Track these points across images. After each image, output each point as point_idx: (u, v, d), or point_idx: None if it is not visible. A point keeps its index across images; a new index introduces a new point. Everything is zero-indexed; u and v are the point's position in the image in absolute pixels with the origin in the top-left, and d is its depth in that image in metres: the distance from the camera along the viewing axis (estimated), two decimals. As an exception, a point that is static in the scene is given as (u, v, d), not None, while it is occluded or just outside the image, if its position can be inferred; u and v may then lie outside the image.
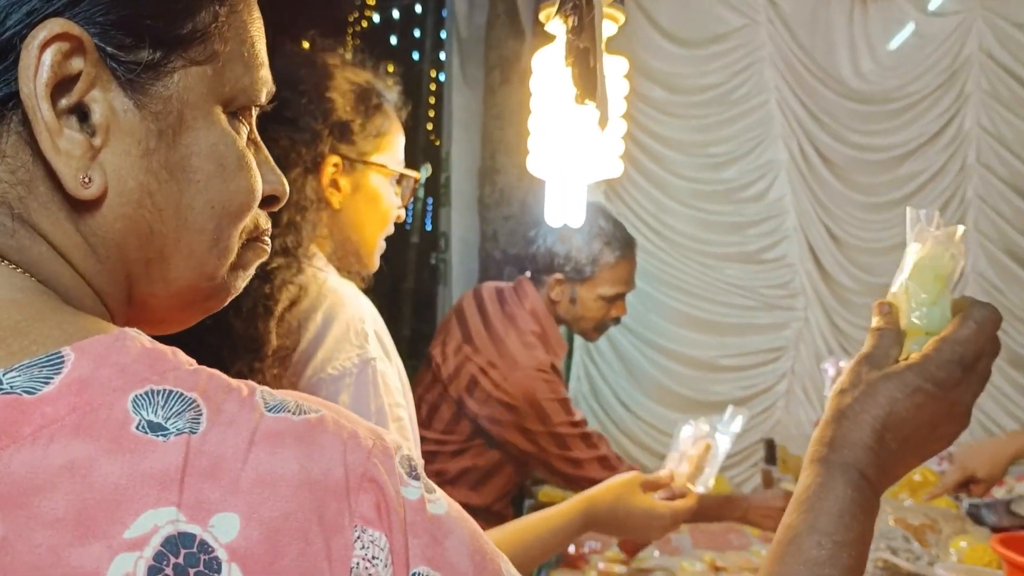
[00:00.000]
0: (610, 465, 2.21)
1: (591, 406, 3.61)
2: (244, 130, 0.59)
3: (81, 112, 0.51)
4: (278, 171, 0.63)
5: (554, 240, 2.33)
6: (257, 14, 0.60)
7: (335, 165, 1.35)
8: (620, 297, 2.40)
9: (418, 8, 7.30)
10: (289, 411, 0.48)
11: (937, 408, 0.73)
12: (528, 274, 2.41)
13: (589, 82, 0.87)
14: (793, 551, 0.68)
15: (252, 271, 0.63)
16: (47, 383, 0.45)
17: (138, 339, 0.49)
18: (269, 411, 0.48)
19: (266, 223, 0.63)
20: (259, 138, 0.62)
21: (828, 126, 3.63)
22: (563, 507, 1.47)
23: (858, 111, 3.65)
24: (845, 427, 0.73)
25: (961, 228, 0.80)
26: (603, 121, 0.89)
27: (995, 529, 2.36)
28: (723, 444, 1.71)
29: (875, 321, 0.80)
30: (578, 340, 3.62)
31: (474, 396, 2.20)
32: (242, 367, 1.11)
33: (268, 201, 0.62)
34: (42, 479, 0.43)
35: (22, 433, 0.44)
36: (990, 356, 0.75)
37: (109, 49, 0.51)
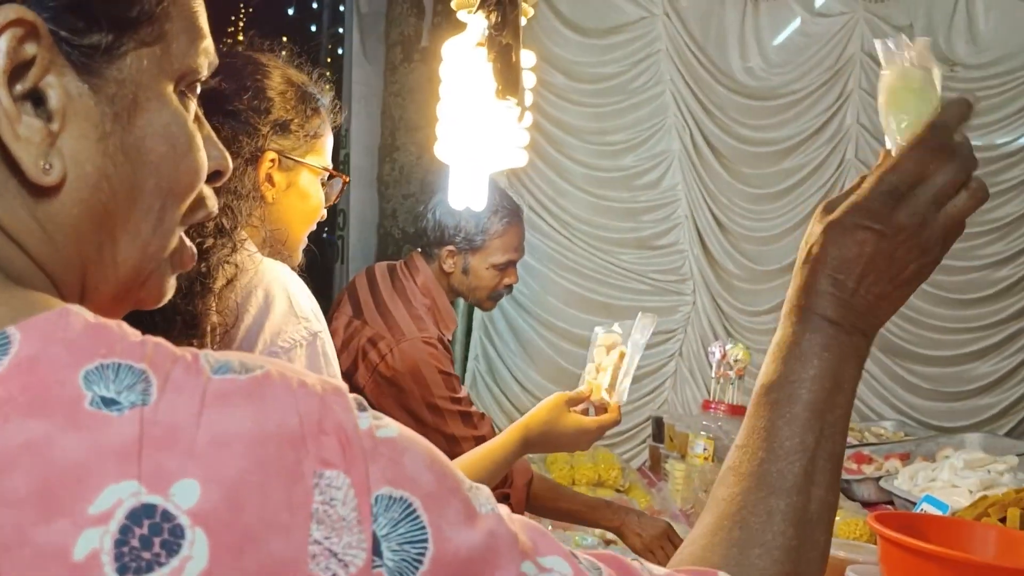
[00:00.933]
0: None
1: (488, 384, 3.68)
2: (192, 107, 0.60)
3: (36, 98, 0.50)
4: (221, 146, 0.63)
5: (443, 213, 2.36)
6: None
7: (272, 160, 1.39)
8: (511, 264, 2.42)
9: (316, -20, 7.16)
10: (234, 371, 0.49)
11: (883, 242, 0.72)
12: (419, 249, 2.45)
13: (511, 79, 0.91)
14: (761, 400, 0.73)
15: (174, 279, 0.63)
16: None
17: (81, 314, 0.49)
18: (215, 373, 0.48)
19: (212, 202, 0.63)
20: (201, 114, 0.62)
21: (718, 119, 3.78)
22: (502, 438, 1.64)
23: (747, 105, 3.81)
24: (803, 277, 0.75)
25: (927, 39, 0.79)
26: (521, 116, 0.94)
27: (865, 504, 2.55)
28: (635, 353, 1.80)
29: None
30: (476, 319, 3.68)
31: (359, 370, 2.21)
32: (181, 344, 1.12)
33: (212, 177, 0.63)
34: (1, 460, 0.43)
35: None
36: (944, 175, 0.72)
37: (62, 33, 0.51)
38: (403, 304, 2.30)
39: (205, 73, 0.60)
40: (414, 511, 0.49)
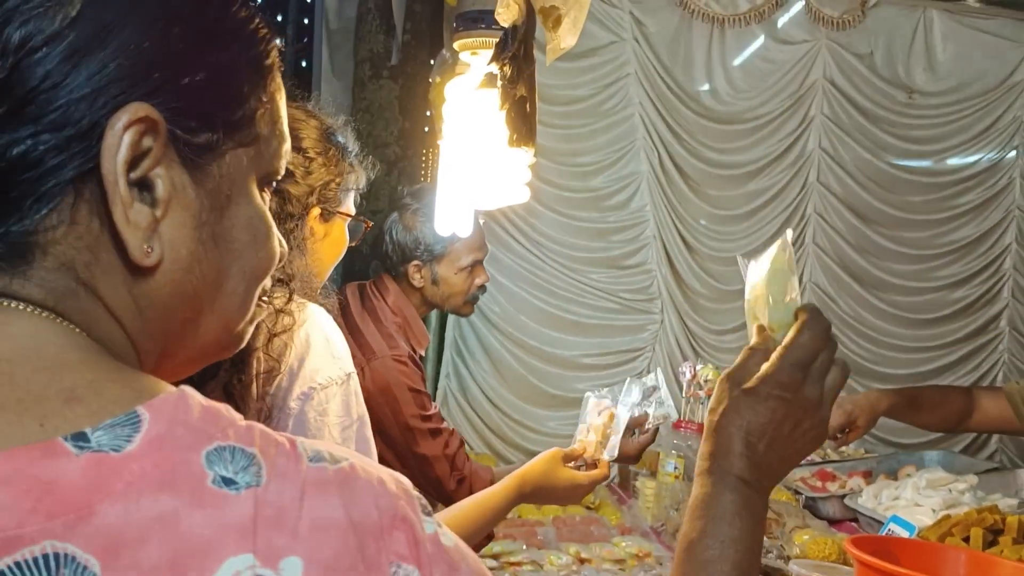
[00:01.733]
0: (457, 467, 2.25)
1: (459, 403, 3.71)
2: (267, 198, 0.66)
3: (144, 185, 0.55)
4: (282, 238, 0.69)
5: (399, 231, 2.38)
6: (283, 96, 0.66)
7: (315, 216, 1.48)
8: (478, 263, 2.45)
9: (282, -7, 7.14)
10: (325, 460, 0.54)
11: (791, 409, 0.83)
12: (386, 271, 2.46)
13: (526, 129, 0.95)
14: (688, 556, 0.80)
15: (251, 328, 0.68)
16: (129, 441, 0.49)
17: (196, 397, 0.54)
18: (311, 462, 0.53)
19: (269, 281, 0.69)
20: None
21: (686, 141, 3.86)
22: (499, 488, 1.70)
23: (713, 129, 3.90)
24: (719, 440, 0.84)
25: (789, 232, 0.95)
26: (533, 161, 0.98)
27: (831, 521, 2.62)
28: (623, 414, 1.88)
29: (752, 340, 0.93)
30: (448, 338, 3.71)
31: None
32: (228, 378, 1.18)
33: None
34: (136, 531, 0.47)
35: (115, 488, 0.48)
36: (828, 353, 0.86)
37: (177, 131, 0.55)
38: (373, 323, 2.32)
39: (283, 170, 0.66)
40: None
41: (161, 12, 0.55)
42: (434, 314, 3.71)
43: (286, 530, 0.49)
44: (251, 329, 0.68)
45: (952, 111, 4.04)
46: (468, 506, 1.66)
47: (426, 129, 4.66)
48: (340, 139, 1.51)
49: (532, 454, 3.75)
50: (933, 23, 3.94)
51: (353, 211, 1.57)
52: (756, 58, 3.95)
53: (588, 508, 3.09)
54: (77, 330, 0.55)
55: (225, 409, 0.54)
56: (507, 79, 0.97)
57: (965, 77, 4.02)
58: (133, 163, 0.54)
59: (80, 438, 0.49)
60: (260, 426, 0.55)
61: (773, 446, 0.83)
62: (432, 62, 4.55)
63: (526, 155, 1.02)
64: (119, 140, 0.53)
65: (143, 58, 0.54)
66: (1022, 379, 4.07)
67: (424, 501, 0.57)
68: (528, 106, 0.95)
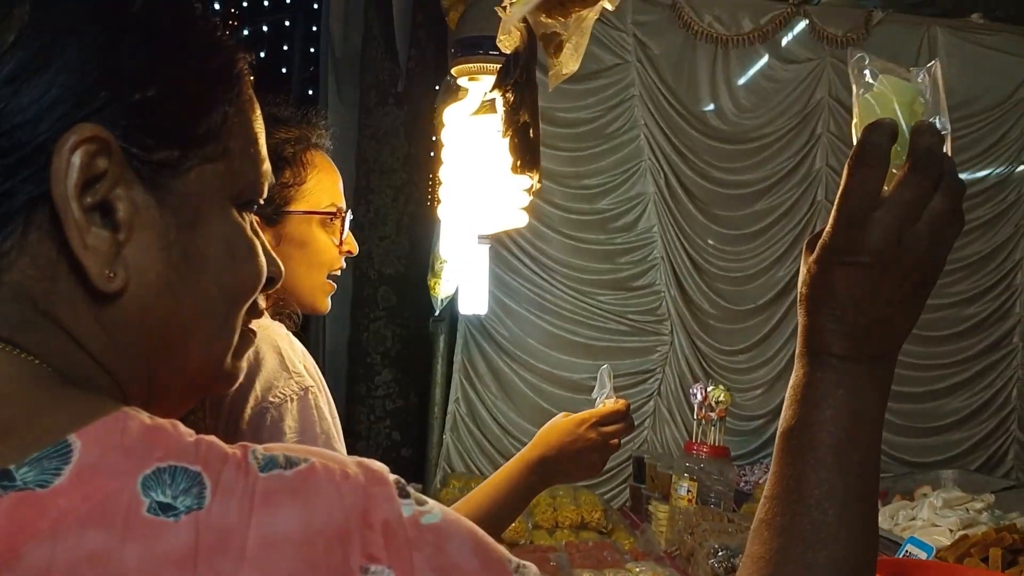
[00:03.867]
0: None
1: (469, 427, 3.69)
2: (248, 217, 0.63)
3: (104, 208, 0.53)
4: (273, 254, 0.67)
5: None
6: (259, 112, 0.64)
7: (255, 221, 1.39)
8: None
9: (287, 23, 7.21)
10: (280, 466, 0.51)
11: (862, 271, 0.69)
12: None
13: (529, 156, 0.94)
14: (783, 446, 0.72)
15: (245, 359, 0.66)
16: (58, 474, 0.47)
17: (138, 417, 0.51)
18: (262, 471, 0.50)
19: (262, 302, 0.67)
20: (257, 227, 0.65)
21: (692, 162, 3.86)
22: (510, 465, 1.48)
23: (719, 149, 3.89)
24: (803, 319, 0.73)
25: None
26: (535, 188, 0.97)
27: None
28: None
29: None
30: (457, 361, 3.69)
31: None
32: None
33: (267, 283, 0.66)
34: (64, 572, 0.44)
35: (39, 528, 0.45)
36: (941, 203, 0.69)
37: (132, 150, 0.54)
38: None
39: (264, 193, 0.64)
40: None
41: (107, 29, 0.54)
42: (443, 339, 3.71)
43: (231, 554, 0.47)
44: (244, 365, 0.65)
45: (959, 127, 4.03)
46: (477, 495, 1.46)
47: (431, 154, 4.69)
48: (293, 136, 1.41)
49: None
50: (937, 40, 3.94)
51: (312, 209, 1.43)
52: (760, 77, 3.95)
53: (601, 533, 3.07)
54: (37, 361, 0.53)
55: (171, 425, 0.52)
56: (510, 106, 0.97)
57: (971, 93, 4.01)
58: (87, 185, 0.52)
59: (5, 477, 0.47)
60: (209, 439, 0.52)
61: (862, 310, 0.70)
62: (437, 88, 4.59)
63: (530, 181, 1.01)
64: (67, 163, 0.51)
65: (88, 77, 0.52)
66: None
67: (403, 482, 0.54)
68: (532, 132, 0.95)
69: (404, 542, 0.50)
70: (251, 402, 1.25)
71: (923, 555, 2.00)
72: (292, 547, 0.48)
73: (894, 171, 0.70)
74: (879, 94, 0.75)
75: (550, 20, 0.82)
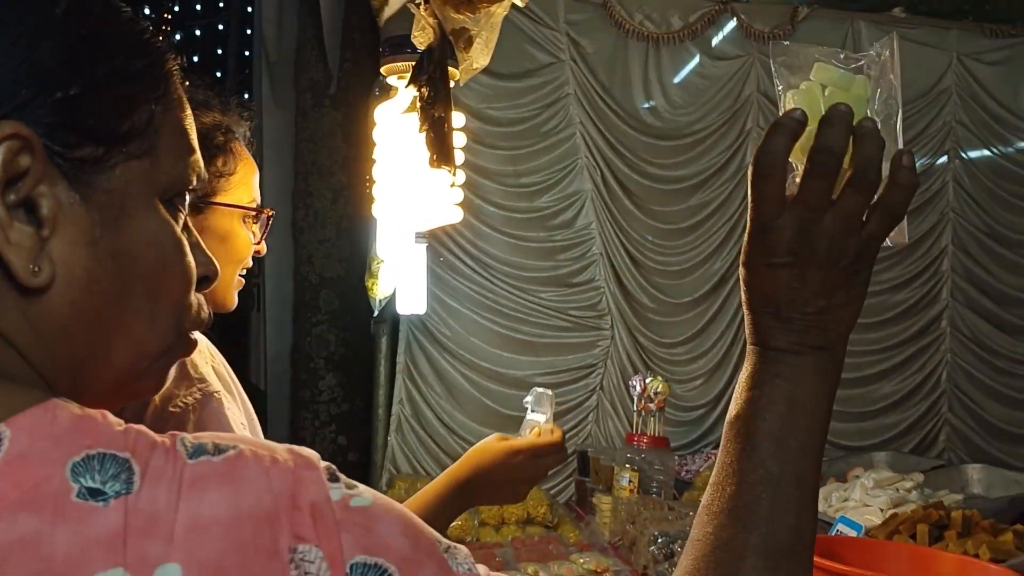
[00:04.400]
0: None
1: (414, 428, 3.69)
2: (180, 216, 0.63)
3: (28, 205, 0.53)
4: (208, 252, 0.67)
5: None
6: (188, 108, 0.65)
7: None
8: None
9: (220, 27, 7.12)
10: (208, 453, 0.52)
11: (784, 271, 0.71)
12: None
13: (443, 149, 0.96)
14: (726, 434, 0.74)
15: (174, 369, 0.66)
16: None
17: (67, 407, 0.52)
18: (191, 458, 0.51)
19: (206, 309, 0.66)
20: (189, 222, 0.66)
21: (627, 158, 3.90)
22: (435, 483, 1.46)
23: (653, 145, 3.95)
24: (747, 316, 0.76)
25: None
26: (454, 181, 0.99)
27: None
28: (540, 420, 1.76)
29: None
30: (400, 362, 3.69)
31: None
32: None
33: (201, 282, 0.66)
34: None
35: None
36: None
37: (55, 147, 0.54)
38: None
39: (194, 184, 0.64)
40: (390, 575, 0.52)
41: (29, 30, 0.54)
42: (385, 340, 3.70)
43: (160, 536, 0.48)
44: (171, 372, 0.65)
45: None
46: (410, 507, 1.37)
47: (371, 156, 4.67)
48: (222, 125, 1.37)
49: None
50: (861, 34, 4.04)
51: (237, 202, 1.39)
52: (692, 74, 4.02)
53: (547, 527, 3.09)
54: None
55: (101, 415, 0.53)
56: (425, 100, 0.98)
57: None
58: (10, 183, 0.53)
59: None
60: (138, 427, 0.53)
61: (797, 306, 0.72)
62: (376, 90, 4.57)
63: (447, 176, 1.02)
64: None
65: (10, 76, 0.53)
66: (964, 381, 4.17)
67: (333, 468, 0.55)
68: (446, 126, 0.96)
69: (332, 523, 0.51)
70: (149, 412, 1.19)
71: (853, 534, 2.06)
72: (220, 529, 0.49)
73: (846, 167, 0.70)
74: (804, 90, 0.75)
75: (459, 16, 0.84)
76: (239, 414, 1.33)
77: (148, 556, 0.47)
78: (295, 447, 0.56)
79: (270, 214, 1.45)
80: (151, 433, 0.53)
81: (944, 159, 4.22)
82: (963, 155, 4.23)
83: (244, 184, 1.42)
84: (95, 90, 0.56)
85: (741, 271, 0.75)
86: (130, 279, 0.58)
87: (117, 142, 0.57)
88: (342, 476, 0.55)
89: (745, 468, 0.72)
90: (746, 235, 0.73)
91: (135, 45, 0.60)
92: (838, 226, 0.70)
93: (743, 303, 0.76)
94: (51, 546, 0.46)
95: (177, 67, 0.64)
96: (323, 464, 0.55)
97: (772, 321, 0.74)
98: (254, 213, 1.42)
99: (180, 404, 1.22)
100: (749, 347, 0.77)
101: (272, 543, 0.49)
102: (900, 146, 0.75)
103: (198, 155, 0.65)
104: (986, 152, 4.26)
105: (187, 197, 0.64)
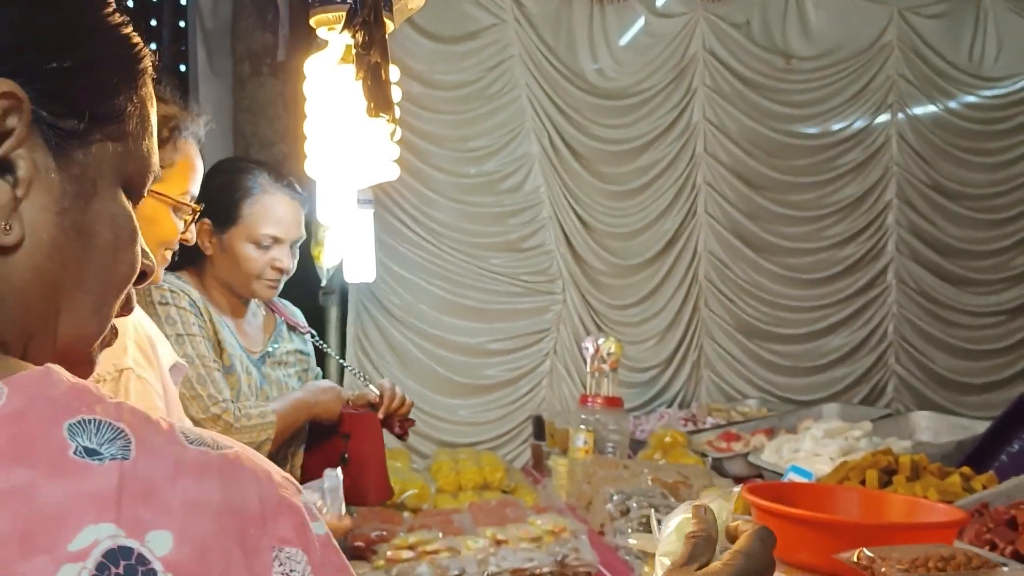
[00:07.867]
0: None
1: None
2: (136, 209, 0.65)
3: (6, 165, 0.55)
4: (149, 251, 0.69)
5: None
6: (154, 106, 0.68)
7: None
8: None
9: (154, -4, 6.89)
10: (207, 445, 0.54)
11: None
12: None
13: (382, 97, 0.92)
14: None
15: (98, 360, 0.67)
16: None
17: (63, 374, 0.53)
18: (190, 444, 0.53)
19: (133, 302, 0.68)
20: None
21: (574, 120, 3.88)
22: None
23: (600, 105, 3.93)
24: None
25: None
26: (394, 132, 0.95)
27: (737, 479, 2.68)
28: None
29: (692, 525, 0.86)
30: (350, 333, 3.64)
31: None
32: None
33: (142, 276, 0.68)
34: None
35: None
36: (769, 570, 0.81)
37: (43, 113, 0.56)
38: None
39: (149, 182, 0.67)
40: None
41: (36, 1, 0.57)
42: (334, 310, 3.64)
43: (155, 505, 0.49)
44: (98, 356, 0.66)
45: (828, 74, 4.16)
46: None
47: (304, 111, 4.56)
48: (172, 122, 1.45)
49: (446, 444, 3.72)
50: (801, -12, 4.06)
51: (171, 194, 1.47)
52: (638, 33, 3.99)
53: (504, 492, 3.09)
54: None
55: (94, 387, 0.54)
56: (360, 46, 0.94)
57: (838, 40, 4.15)
58: None
59: None
60: (130, 404, 0.55)
61: None
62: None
63: (385, 129, 0.99)
64: None
65: (11, 39, 0.56)
66: (911, 333, 4.25)
67: (313, 509, 0.58)
68: (383, 72, 0.93)
69: (314, 545, 0.55)
70: None
71: (804, 481, 2.09)
72: (212, 513, 0.51)
73: None
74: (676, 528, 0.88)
75: (389, -48, 0.80)
76: (152, 392, 1.36)
77: (142, 520, 0.48)
78: (287, 474, 0.58)
79: (198, 210, 1.53)
80: (144, 411, 0.55)
81: (887, 114, 4.26)
82: (906, 110, 4.27)
83: (180, 177, 1.51)
84: (87, 67, 0.59)
85: None
86: (88, 256, 0.60)
87: (98, 121, 0.60)
88: (320, 516, 0.58)
89: None
90: (733, 558, 0.80)
91: (122, 36, 0.64)
92: None
93: None
94: (45, 497, 0.47)
95: (151, 64, 0.67)
96: (305, 500, 0.58)
97: None
98: (189, 209, 1.50)
99: (95, 375, 1.23)
100: None
101: (256, 540, 0.52)
102: None
103: (156, 158, 0.68)
104: (929, 106, 4.30)
105: (144, 189, 0.67)
